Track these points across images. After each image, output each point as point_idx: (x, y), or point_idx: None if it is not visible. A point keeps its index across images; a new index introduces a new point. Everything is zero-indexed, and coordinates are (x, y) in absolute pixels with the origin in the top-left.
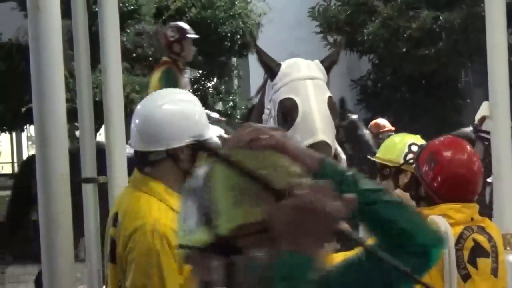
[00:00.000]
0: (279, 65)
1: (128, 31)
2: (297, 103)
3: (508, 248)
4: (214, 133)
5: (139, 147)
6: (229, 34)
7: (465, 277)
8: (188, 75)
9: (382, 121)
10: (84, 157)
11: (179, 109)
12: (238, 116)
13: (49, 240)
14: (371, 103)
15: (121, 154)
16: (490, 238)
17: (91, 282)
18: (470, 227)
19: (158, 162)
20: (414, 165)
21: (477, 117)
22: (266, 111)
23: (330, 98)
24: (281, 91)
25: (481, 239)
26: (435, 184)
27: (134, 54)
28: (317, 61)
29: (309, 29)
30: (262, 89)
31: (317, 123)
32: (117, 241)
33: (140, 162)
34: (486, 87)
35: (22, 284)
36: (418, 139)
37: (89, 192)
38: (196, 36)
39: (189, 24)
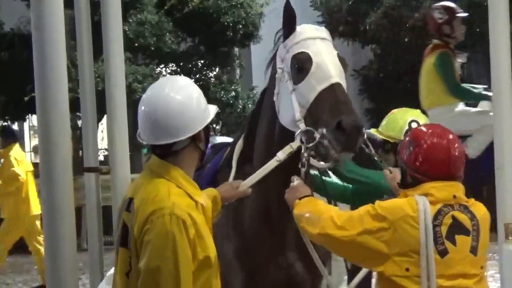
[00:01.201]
0: (295, 28)
1: (130, 21)
2: (310, 55)
3: (510, 237)
4: (214, 109)
5: (164, 140)
6: (231, 24)
7: (443, 252)
8: (461, 59)
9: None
10: (86, 146)
11: (191, 94)
12: (240, 106)
13: (52, 229)
14: (374, 93)
15: (123, 143)
16: (472, 217)
17: (93, 271)
18: (450, 205)
19: (181, 150)
20: None
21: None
22: (279, 70)
23: (338, 55)
24: (293, 48)
25: (462, 217)
26: (417, 164)
27: (136, 44)
28: (323, 27)
29: (311, 19)
30: (273, 60)
31: (330, 69)
32: (132, 225)
33: (162, 153)
34: (488, 77)
35: (24, 273)
36: (419, 115)
37: (92, 181)
38: (465, 14)
39: (191, 14)
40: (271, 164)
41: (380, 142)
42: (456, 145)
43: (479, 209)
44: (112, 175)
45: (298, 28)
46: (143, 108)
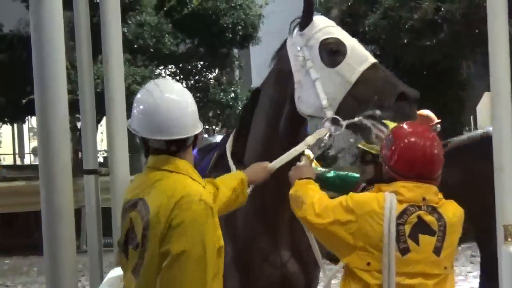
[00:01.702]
0: (312, 18)
1: (130, 22)
2: (341, 38)
3: (509, 239)
4: None
5: (185, 134)
6: (230, 26)
7: (404, 250)
8: None
9: (428, 113)
10: (86, 148)
11: (189, 94)
12: (239, 107)
13: (51, 231)
14: None
15: (123, 145)
16: (439, 218)
17: (93, 272)
18: (416, 205)
19: (189, 146)
20: None
21: (479, 108)
22: (299, 58)
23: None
24: (317, 35)
25: (428, 217)
26: (392, 162)
27: (135, 46)
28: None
29: None
30: (278, 54)
31: (364, 51)
32: (147, 221)
33: (176, 149)
34: (487, 78)
35: (24, 275)
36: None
37: (91, 184)
38: None
39: (190, 16)
40: (300, 147)
41: (360, 153)
42: (435, 146)
43: (450, 210)
44: (112, 177)
45: (317, 17)
46: (154, 106)
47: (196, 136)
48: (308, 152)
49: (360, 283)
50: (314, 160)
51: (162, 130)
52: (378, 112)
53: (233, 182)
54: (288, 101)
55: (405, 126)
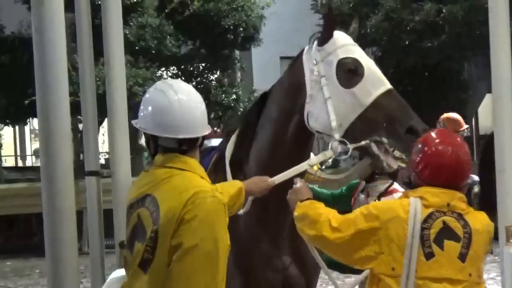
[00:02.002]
0: (332, 34)
1: (131, 24)
2: (359, 59)
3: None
4: None
5: (190, 134)
6: (232, 27)
7: (429, 255)
8: None
9: (457, 117)
10: (87, 150)
11: (200, 96)
12: (241, 109)
13: (53, 233)
14: None
15: (125, 146)
16: (465, 225)
17: (94, 274)
18: (442, 211)
19: (198, 146)
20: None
21: (481, 109)
22: (315, 73)
23: None
24: (337, 53)
25: (453, 223)
26: (419, 169)
27: (137, 47)
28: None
29: (310, 22)
30: (294, 64)
31: (382, 76)
32: (156, 217)
33: (187, 148)
34: (489, 79)
35: (26, 277)
36: None
37: (93, 185)
38: None
39: (192, 17)
40: (302, 166)
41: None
42: (463, 154)
43: (476, 218)
44: (113, 178)
45: (335, 34)
46: (170, 105)
47: (204, 137)
48: (314, 162)
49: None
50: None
51: (175, 129)
52: (384, 139)
53: (231, 190)
54: (297, 112)
55: (434, 133)
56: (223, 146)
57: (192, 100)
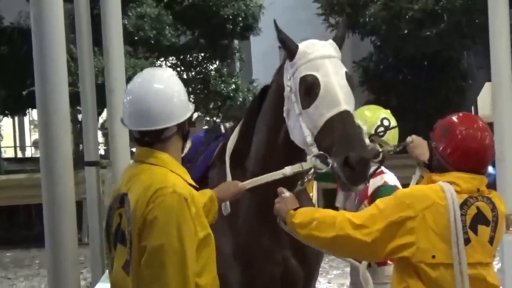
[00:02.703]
0: (297, 46)
1: (130, 14)
2: (318, 78)
3: (511, 228)
4: None
5: (151, 126)
6: (231, 17)
7: (466, 241)
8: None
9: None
10: (86, 140)
11: (176, 84)
12: (240, 99)
13: (52, 223)
14: (373, 85)
15: (124, 137)
16: (493, 208)
17: (94, 265)
18: (475, 196)
19: (169, 137)
20: (382, 137)
21: (480, 98)
22: (287, 88)
23: (346, 73)
24: (301, 69)
25: (485, 208)
26: (447, 154)
27: (135, 38)
28: (330, 41)
29: (310, 11)
30: (280, 70)
31: (339, 95)
32: (130, 216)
33: (151, 141)
34: (488, 68)
35: (26, 268)
36: (389, 114)
37: (92, 175)
38: None
39: (191, 7)
40: (276, 174)
41: None
42: (490, 138)
43: (500, 201)
44: (113, 169)
45: (303, 46)
46: (132, 96)
47: (182, 128)
48: (288, 172)
49: (419, 277)
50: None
51: (133, 121)
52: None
53: (203, 199)
54: (285, 122)
55: (460, 117)
56: (229, 133)
57: (151, 90)
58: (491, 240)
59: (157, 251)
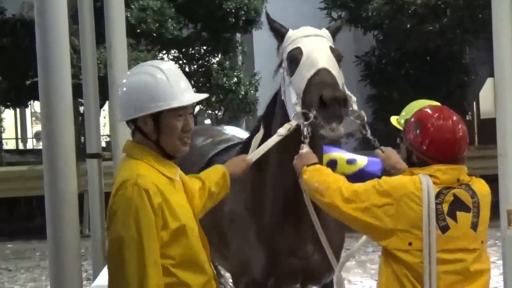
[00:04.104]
0: (287, 29)
1: (132, 7)
2: (301, 48)
3: None
4: (191, 99)
5: (119, 118)
6: (233, 10)
7: (444, 228)
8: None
9: None
10: (89, 132)
11: (139, 80)
12: (242, 92)
13: (54, 215)
14: (376, 80)
15: (126, 129)
16: (473, 195)
17: (95, 257)
18: (451, 186)
19: (134, 134)
20: None
21: (482, 93)
22: (281, 69)
23: (332, 48)
24: (288, 47)
25: (463, 194)
26: (424, 147)
27: (138, 30)
28: (323, 29)
29: (313, 5)
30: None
31: (319, 57)
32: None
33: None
34: (491, 63)
35: (26, 259)
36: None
37: (94, 167)
38: None
39: (193, 0)
40: (273, 139)
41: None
42: (460, 126)
43: (480, 186)
44: (115, 161)
45: (292, 30)
46: (121, 87)
47: (139, 126)
48: (282, 132)
49: (401, 263)
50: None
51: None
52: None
53: (216, 176)
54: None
55: (429, 110)
56: (248, 139)
57: (127, 83)
58: (474, 226)
59: (116, 242)
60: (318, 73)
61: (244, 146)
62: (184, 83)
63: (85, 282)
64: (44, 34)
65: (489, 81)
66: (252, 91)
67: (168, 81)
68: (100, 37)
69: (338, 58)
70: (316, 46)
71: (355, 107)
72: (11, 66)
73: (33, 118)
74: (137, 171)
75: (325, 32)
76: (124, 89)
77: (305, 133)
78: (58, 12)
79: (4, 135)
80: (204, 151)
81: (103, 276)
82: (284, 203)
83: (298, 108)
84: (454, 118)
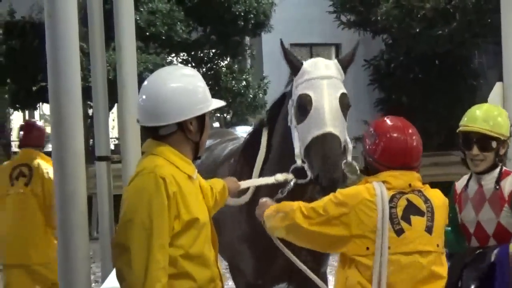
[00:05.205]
0: (302, 63)
1: (142, 10)
2: (312, 98)
3: None
4: (220, 103)
5: (149, 122)
6: (242, 14)
7: (399, 231)
8: None
9: None
10: (98, 135)
11: (183, 85)
12: (251, 95)
13: (63, 217)
14: (384, 83)
15: (135, 132)
16: (426, 200)
17: (104, 260)
18: (404, 191)
19: (169, 136)
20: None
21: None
22: (290, 102)
23: (343, 95)
24: (300, 87)
25: (416, 199)
26: (377, 156)
27: (147, 33)
28: (335, 61)
29: (322, 9)
30: (290, 83)
31: (326, 117)
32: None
33: (152, 136)
34: (499, 67)
35: None
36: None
37: (103, 170)
38: None
39: (202, 3)
40: (269, 180)
41: (477, 139)
42: (414, 137)
43: (434, 194)
44: (124, 163)
45: (306, 64)
46: (142, 90)
47: (184, 128)
48: (279, 178)
49: (359, 267)
50: None
51: (139, 115)
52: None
53: (219, 187)
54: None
55: (386, 120)
56: (250, 137)
57: (153, 89)
58: (428, 230)
59: (125, 225)
60: (323, 139)
61: (245, 147)
62: None
63: (93, 284)
64: (54, 36)
65: (497, 85)
66: (260, 95)
67: (204, 85)
68: (110, 40)
69: (347, 107)
70: (327, 97)
71: (349, 158)
72: (21, 68)
73: (42, 121)
74: (155, 163)
75: (337, 68)
76: (170, 92)
77: (285, 190)
78: (68, 15)
79: (13, 137)
80: (211, 149)
81: (112, 279)
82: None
83: (299, 161)
84: (409, 130)
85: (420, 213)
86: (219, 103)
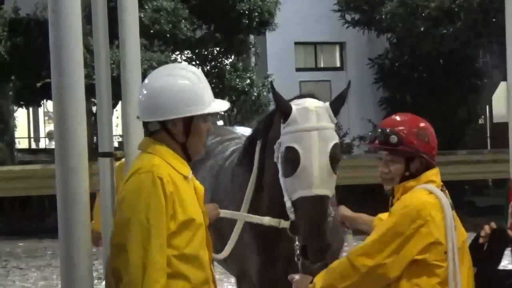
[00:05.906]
0: (291, 109)
1: (146, 7)
2: (300, 155)
3: None
4: (220, 107)
5: (140, 117)
6: (247, 12)
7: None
8: None
9: None
10: (101, 131)
11: (175, 83)
12: (255, 94)
13: (66, 214)
14: (389, 82)
15: (138, 129)
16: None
17: (107, 255)
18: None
19: (156, 133)
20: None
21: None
22: (277, 145)
23: (334, 146)
24: (288, 137)
25: (446, 193)
26: (434, 151)
27: (151, 31)
28: (327, 105)
29: (327, 7)
30: (268, 119)
31: (314, 177)
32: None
33: (145, 131)
34: (504, 67)
35: (38, 258)
36: None
37: (106, 166)
38: None
39: (207, 1)
40: (255, 218)
41: None
42: None
43: None
44: (127, 160)
45: (296, 111)
46: (143, 88)
47: (167, 127)
48: (266, 222)
49: (436, 272)
50: None
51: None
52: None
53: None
54: None
55: (410, 116)
56: (247, 145)
57: (151, 85)
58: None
59: (123, 224)
60: (309, 200)
61: (244, 154)
62: (210, 89)
63: (96, 281)
64: (57, 33)
65: (502, 85)
66: (264, 93)
67: (202, 87)
68: (114, 37)
69: (338, 160)
70: (316, 154)
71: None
72: (24, 65)
73: (46, 118)
74: (152, 162)
75: (329, 115)
76: (157, 89)
77: (298, 253)
78: (72, 12)
79: (16, 134)
80: (210, 148)
81: None
82: (279, 213)
83: (292, 216)
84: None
85: (452, 206)
86: (218, 107)
